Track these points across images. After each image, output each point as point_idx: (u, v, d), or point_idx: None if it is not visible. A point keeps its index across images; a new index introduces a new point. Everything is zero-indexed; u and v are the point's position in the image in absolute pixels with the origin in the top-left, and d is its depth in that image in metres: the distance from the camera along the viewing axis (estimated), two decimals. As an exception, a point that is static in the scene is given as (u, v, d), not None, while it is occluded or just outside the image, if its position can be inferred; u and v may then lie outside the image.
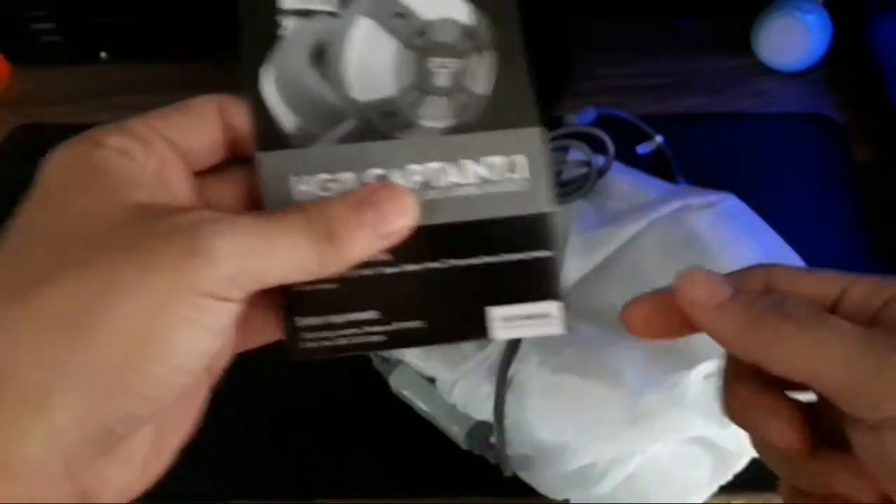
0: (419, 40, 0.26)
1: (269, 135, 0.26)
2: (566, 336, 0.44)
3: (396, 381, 0.49)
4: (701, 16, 0.69)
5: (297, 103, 0.26)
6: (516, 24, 0.26)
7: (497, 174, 0.26)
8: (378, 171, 0.26)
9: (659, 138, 0.60)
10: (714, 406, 0.42)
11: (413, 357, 0.47)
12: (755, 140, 0.64)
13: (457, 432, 0.47)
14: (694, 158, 0.58)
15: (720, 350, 0.43)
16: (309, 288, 0.25)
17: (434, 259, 0.26)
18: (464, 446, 0.47)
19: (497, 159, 0.26)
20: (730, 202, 0.49)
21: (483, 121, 0.26)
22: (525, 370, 0.44)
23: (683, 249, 0.47)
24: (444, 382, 0.47)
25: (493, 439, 0.45)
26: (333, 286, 0.25)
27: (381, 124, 0.26)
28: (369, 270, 0.25)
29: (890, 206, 0.61)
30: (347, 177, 0.26)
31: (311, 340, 0.26)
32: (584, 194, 0.50)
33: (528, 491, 0.46)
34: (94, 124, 0.70)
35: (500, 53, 0.26)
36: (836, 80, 0.68)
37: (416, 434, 0.49)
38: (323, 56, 0.26)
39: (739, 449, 0.44)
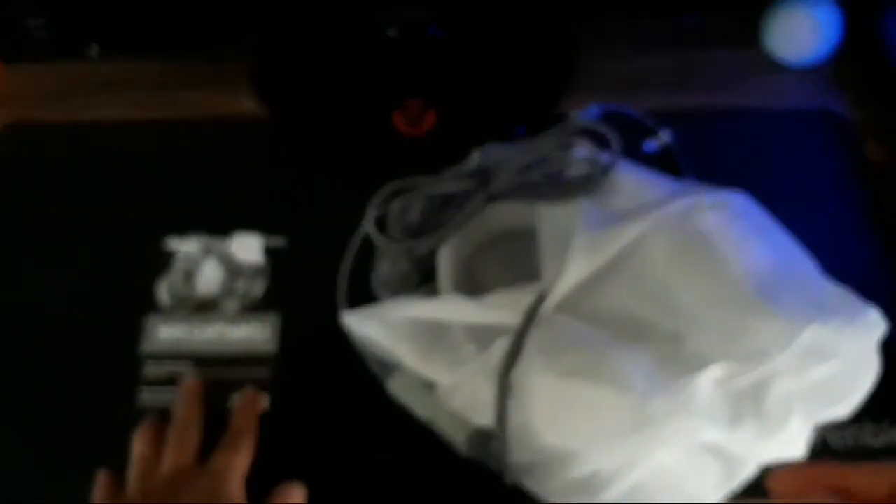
0: (234, 270, 0.56)
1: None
2: (571, 339, 0.43)
3: (395, 386, 0.48)
4: (710, 10, 0.68)
5: (174, 296, 0.56)
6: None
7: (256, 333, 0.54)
8: (200, 326, 0.54)
9: (665, 135, 0.59)
10: (722, 411, 0.41)
11: (412, 361, 0.46)
12: (764, 136, 0.63)
13: (457, 439, 0.46)
14: (701, 155, 0.57)
15: (728, 354, 0.42)
16: None
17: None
18: (464, 453, 0.47)
19: (257, 325, 0.54)
20: (740, 201, 0.47)
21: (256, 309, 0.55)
22: (528, 374, 0.43)
23: (692, 250, 0.45)
24: (444, 387, 0.46)
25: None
26: None
27: (209, 307, 0.55)
28: None
29: (901, 204, 0.60)
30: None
31: None
32: (588, 192, 0.49)
33: (529, 499, 0.45)
34: (84, 121, 0.71)
35: (270, 280, 0.56)
36: (847, 75, 0.67)
37: (416, 440, 0.48)
38: (190, 276, 0.56)
39: (747, 455, 0.43)
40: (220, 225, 0.58)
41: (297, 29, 0.69)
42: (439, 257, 0.50)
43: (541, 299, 0.45)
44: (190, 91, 0.67)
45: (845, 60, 0.67)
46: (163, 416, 0.51)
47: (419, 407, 0.48)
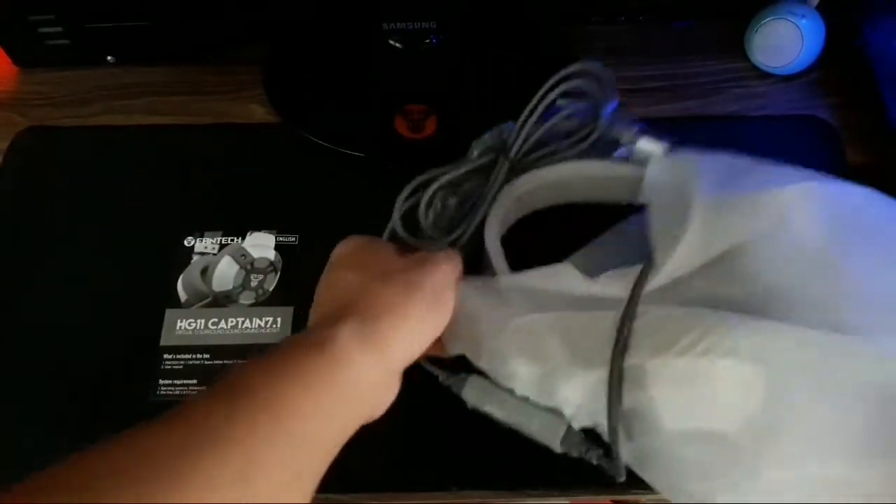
0: (248, 266, 0.57)
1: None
2: (685, 316, 0.38)
3: (473, 397, 0.45)
4: (695, 18, 0.70)
5: (190, 290, 0.56)
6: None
7: (269, 325, 0.55)
8: (216, 319, 0.56)
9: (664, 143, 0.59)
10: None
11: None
12: (749, 142, 0.62)
13: (551, 438, 0.43)
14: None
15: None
16: None
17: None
18: (558, 450, 0.44)
19: (269, 318, 0.55)
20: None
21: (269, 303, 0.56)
22: (641, 357, 0.39)
23: (862, 234, 0.41)
24: (533, 380, 0.42)
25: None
26: None
27: (224, 301, 0.56)
28: None
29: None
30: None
31: None
32: (591, 140, 0.49)
33: (523, 485, 0.48)
34: (100, 127, 0.71)
35: (282, 275, 0.57)
36: (829, 82, 0.69)
37: (416, 430, 0.50)
38: (205, 271, 0.57)
39: None
40: (235, 224, 0.60)
41: (305, 40, 0.70)
42: (487, 239, 0.48)
43: (645, 275, 0.41)
44: (202, 97, 0.68)
45: (828, 68, 0.69)
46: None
47: (502, 412, 0.44)
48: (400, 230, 0.49)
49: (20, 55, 0.70)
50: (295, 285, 0.57)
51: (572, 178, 0.52)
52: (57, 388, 0.53)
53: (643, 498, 0.54)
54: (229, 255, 0.59)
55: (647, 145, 0.50)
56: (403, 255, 0.43)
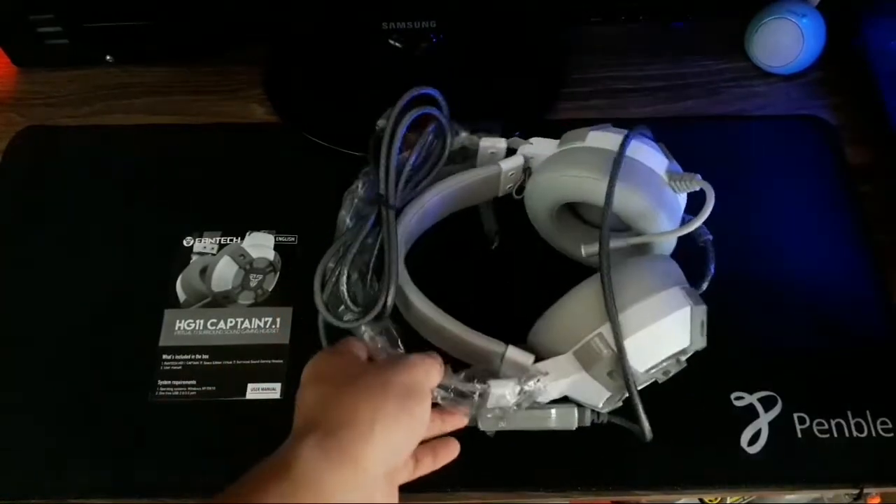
0: (247, 266, 0.58)
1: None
2: None
3: (490, 425, 0.47)
4: (696, 18, 0.70)
5: (189, 291, 0.57)
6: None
7: (269, 325, 0.56)
8: (215, 319, 0.56)
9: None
10: None
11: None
12: (749, 142, 0.64)
13: (567, 422, 0.47)
14: (688, 160, 0.58)
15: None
16: None
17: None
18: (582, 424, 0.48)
19: (268, 319, 0.56)
20: None
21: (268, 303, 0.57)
22: None
23: None
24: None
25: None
26: None
27: (223, 301, 0.57)
28: None
29: (883, 206, 0.62)
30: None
31: None
32: (446, 155, 0.53)
33: (523, 485, 0.48)
34: (98, 126, 0.70)
35: (281, 275, 0.58)
36: (829, 82, 0.69)
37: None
38: (204, 271, 0.57)
39: None
40: (234, 224, 0.60)
41: (304, 40, 0.70)
42: (405, 288, 0.48)
43: None
44: (202, 97, 0.68)
45: (828, 67, 0.69)
46: (177, 410, 0.52)
47: (522, 424, 0.47)
48: (332, 320, 0.47)
49: (19, 55, 0.70)
50: (294, 285, 0.57)
51: (437, 200, 0.54)
52: (56, 388, 0.53)
53: (643, 498, 0.54)
54: (228, 255, 0.59)
55: (488, 143, 0.55)
56: (375, 360, 0.42)
